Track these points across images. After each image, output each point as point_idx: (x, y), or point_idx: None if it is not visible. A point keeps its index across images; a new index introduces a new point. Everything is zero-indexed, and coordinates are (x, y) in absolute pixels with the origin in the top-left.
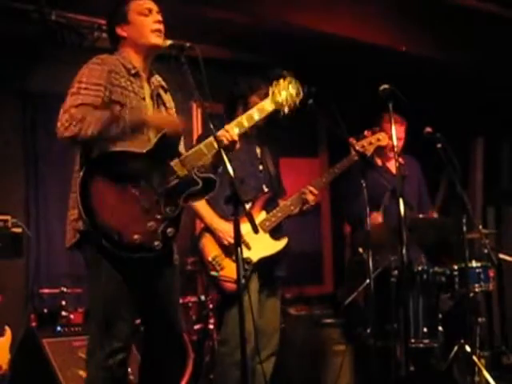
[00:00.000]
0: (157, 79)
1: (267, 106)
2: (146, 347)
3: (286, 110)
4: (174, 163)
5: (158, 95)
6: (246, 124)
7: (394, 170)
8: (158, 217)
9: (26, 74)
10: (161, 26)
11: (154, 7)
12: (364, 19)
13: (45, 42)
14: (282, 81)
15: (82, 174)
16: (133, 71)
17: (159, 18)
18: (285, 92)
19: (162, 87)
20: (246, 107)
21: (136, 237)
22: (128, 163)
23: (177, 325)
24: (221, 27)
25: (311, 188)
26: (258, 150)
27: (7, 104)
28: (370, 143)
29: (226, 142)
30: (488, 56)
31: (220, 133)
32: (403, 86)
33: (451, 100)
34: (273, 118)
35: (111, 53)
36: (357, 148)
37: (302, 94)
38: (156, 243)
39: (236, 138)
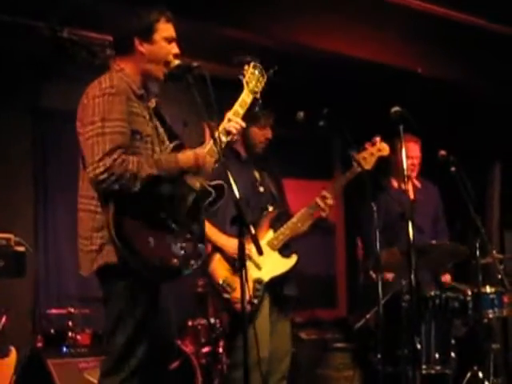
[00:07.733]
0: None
1: (246, 97)
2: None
3: (258, 96)
4: (188, 178)
5: (155, 114)
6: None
7: (410, 193)
8: (188, 236)
9: (36, 90)
10: (175, 61)
11: (175, 37)
12: (382, 42)
13: (56, 59)
14: (248, 67)
15: (112, 209)
16: (138, 93)
17: (178, 51)
18: (254, 79)
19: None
20: (245, 135)
21: (175, 261)
22: (153, 188)
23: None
24: (237, 47)
25: (322, 193)
26: (257, 174)
27: (17, 121)
28: (372, 154)
29: (235, 131)
30: (506, 81)
31: (226, 125)
32: (423, 109)
33: (469, 124)
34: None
35: (105, 70)
36: (358, 160)
37: (265, 75)
38: (192, 262)
39: (243, 124)
